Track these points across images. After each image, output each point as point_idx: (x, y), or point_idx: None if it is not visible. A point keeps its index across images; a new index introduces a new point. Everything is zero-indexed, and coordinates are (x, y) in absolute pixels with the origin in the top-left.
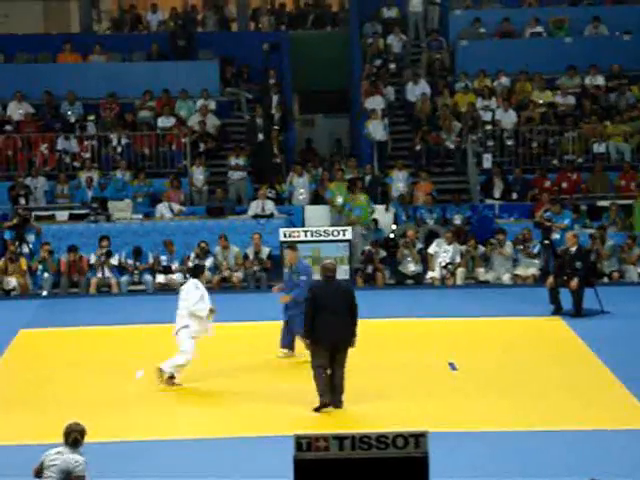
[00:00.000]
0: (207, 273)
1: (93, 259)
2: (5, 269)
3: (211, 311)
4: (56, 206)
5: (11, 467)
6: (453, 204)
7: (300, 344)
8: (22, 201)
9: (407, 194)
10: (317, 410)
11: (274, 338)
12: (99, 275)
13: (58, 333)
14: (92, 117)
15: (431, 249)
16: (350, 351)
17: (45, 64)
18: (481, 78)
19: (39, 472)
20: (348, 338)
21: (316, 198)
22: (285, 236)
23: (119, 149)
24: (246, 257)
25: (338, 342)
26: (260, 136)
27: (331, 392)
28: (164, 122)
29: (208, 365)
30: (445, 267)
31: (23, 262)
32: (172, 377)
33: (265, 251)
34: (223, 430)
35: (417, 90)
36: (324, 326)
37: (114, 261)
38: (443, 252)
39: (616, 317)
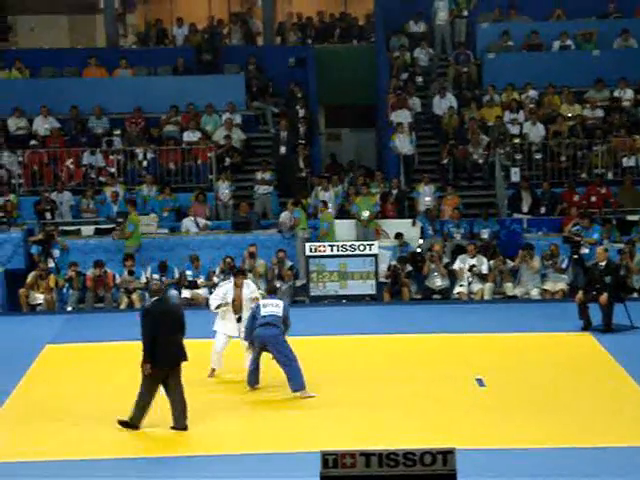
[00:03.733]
0: None
1: (119, 280)
2: (33, 285)
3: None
4: (82, 221)
5: None
6: (481, 218)
7: None
8: (48, 216)
9: (434, 208)
10: (123, 424)
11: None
12: (126, 300)
13: (84, 348)
14: (118, 132)
15: (456, 265)
16: (358, 366)
17: (71, 78)
18: (509, 91)
19: None
20: (184, 354)
21: (342, 212)
22: (311, 251)
23: (145, 164)
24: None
25: (177, 360)
26: (283, 149)
27: (173, 414)
28: (190, 136)
29: (225, 379)
30: (470, 269)
31: (52, 279)
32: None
33: (287, 264)
34: (247, 446)
35: (444, 103)
36: (165, 347)
37: (142, 279)
38: (467, 268)
39: None
